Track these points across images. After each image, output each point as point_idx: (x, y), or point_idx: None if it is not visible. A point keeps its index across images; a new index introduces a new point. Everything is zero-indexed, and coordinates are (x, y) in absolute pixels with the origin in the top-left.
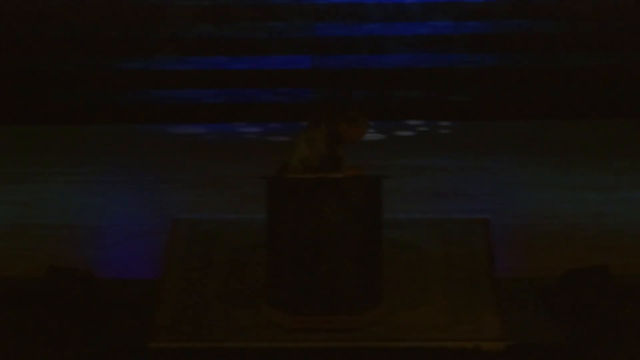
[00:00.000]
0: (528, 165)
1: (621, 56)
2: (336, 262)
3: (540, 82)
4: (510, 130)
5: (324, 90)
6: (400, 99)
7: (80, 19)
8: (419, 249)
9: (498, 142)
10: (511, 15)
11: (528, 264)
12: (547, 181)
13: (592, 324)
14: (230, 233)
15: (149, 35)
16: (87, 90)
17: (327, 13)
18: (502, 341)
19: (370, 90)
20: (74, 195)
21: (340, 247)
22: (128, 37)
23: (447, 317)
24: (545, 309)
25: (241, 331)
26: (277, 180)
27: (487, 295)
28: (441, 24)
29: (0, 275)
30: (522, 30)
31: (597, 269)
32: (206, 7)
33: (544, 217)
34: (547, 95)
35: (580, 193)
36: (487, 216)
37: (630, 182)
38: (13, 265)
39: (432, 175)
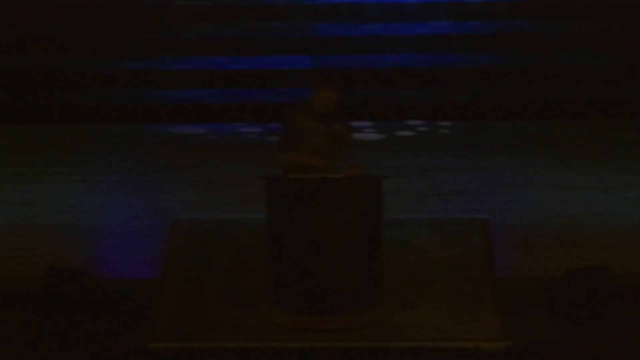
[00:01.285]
0: (528, 165)
1: (621, 56)
2: (336, 262)
3: (540, 82)
4: (510, 130)
5: None
6: (400, 99)
7: (80, 19)
8: (419, 249)
9: (498, 142)
10: (511, 15)
11: (528, 264)
12: (547, 181)
13: (592, 324)
14: (230, 233)
15: (149, 35)
16: (87, 90)
17: (327, 13)
18: (502, 341)
19: (370, 90)
20: (74, 195)
21: (340, 247)
22: (128, 37)
23: (447, 317)
24: (545, 309)
25: (241, 331)
26: (277, 180)
27: (487, 295)
28: (441, 24)
29: (0, 275)
30: (522, 30)
31: (597, 269)
32: (206, 7)
33: (544, 217)
34: (547, 95)
35: (580, 193)
36: (487, 216)
37: (630, 182)
38: (13, 265)
39: (432, 175)
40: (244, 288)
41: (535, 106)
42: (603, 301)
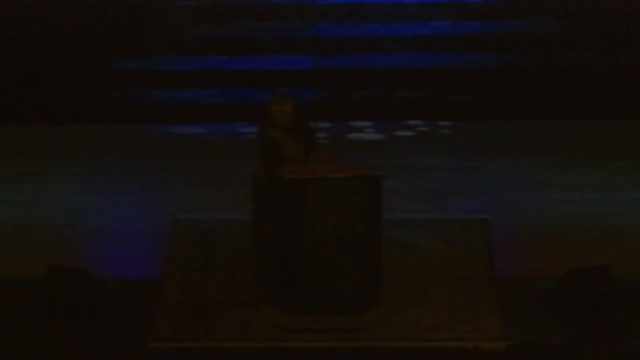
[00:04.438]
0: (528, 165)
1: (621, 56)
2: (336, 262)
3: (540, 82)
4: (510, 130)
5: (324, 90)
6: (400, 99)
7: (80, 19)
8: (419, 249)
9: (498, 142)
10: (511, 15)
11: (528, 264)
12: (547, 181)
13: (592, 324)
14: (230, 233)
15: (149, 35)
16: (87, 90)
17: (327, 13)
18: (502, 341)
19: (370, 90)
20: (74, 195)
21: (340, 248)
22: (128, 37)
23: (447, 317)
24: (545, 309)
25: (241, 331)
26: (276, 181)
27: (487, 295)
28: (441, 24)
29: (0, 275)
30: (522, 30)
31: (597, 269)
32: (206, 7)
33: (544, 217)
34: (547, 95)
35: (580, 193)
36: (487, 216)
37: (630, 182)
38: (13, 265)
39: (432, 175)
40: (244, 288)
41: (535, 106)
42: (603, 301)
